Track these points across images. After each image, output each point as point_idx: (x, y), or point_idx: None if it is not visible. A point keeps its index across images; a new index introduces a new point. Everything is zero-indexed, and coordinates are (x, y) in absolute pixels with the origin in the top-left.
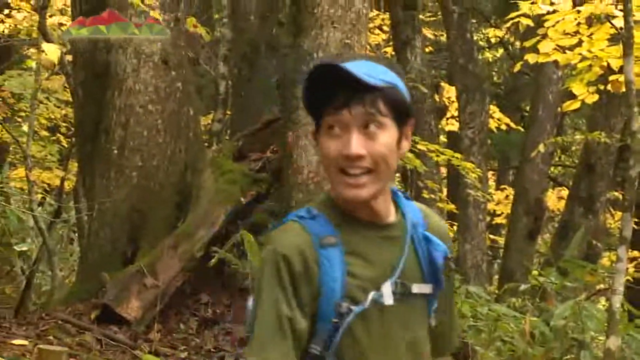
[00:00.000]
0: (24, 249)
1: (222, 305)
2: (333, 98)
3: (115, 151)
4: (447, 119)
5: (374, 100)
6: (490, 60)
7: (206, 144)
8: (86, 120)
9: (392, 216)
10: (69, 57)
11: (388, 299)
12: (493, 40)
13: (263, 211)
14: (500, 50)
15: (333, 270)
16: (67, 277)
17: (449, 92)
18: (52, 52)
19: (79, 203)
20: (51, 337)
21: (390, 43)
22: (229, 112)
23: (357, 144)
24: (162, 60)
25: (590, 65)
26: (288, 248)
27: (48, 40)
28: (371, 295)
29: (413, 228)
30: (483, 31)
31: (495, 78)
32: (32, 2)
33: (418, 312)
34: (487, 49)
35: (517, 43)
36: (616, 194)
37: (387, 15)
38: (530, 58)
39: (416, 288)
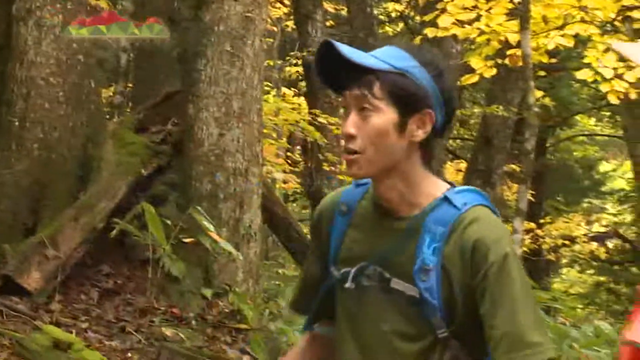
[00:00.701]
0: None
1: (123, 276)
2: (337, 79)
3: (17, 123)
4: None
5: (370, 82)
6: (391, 34)
7: (108, 117)
8: None
9: (411, 210)
10: None
11: (349, 281)
12: (393, 14)
13: (164, 183)
14: (401, 25)
15: (336, 234)
16: None
17: None
18: None
19: None
20: None
21: (292, 17)
22: (130, 85)
23: (350, 124)
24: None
25: (488, 40)
26: (319, 205)
27: None
28: (342, 270)
29: (429, 229)
30: (383, 5)
31: None
32: None
33: (400, 309)
34: (387, 23)
35: (417, 17)
36: (513, 166)
37: None
38: (430, 32)
39: (395, 283)
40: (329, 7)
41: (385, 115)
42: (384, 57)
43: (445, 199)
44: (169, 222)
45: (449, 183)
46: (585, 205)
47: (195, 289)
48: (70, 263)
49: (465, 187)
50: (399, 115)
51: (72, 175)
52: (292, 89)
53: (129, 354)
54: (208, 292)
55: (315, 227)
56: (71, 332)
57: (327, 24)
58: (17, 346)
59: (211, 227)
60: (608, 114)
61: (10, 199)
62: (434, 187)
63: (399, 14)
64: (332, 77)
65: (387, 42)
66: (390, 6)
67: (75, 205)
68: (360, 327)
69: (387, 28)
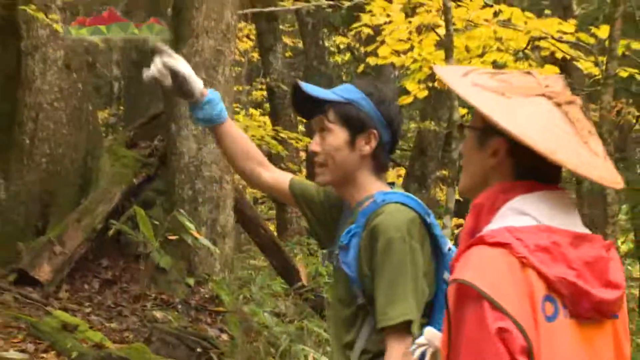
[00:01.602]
0: None
1: (119, 268)
2: (307, 110)
3: (27, 141)
4: None
5: (326, 110)
6: (340, 62)
7: (104, 135)
8: (2, 115)
9: (359, 205)
10: None
11: (324, 261)
12: (341, 46)
13: (152, 190)
14: (348, 55)
15: (340, 225)
16: None
17: None
18: None
19: None
20: None
21: (256, 49)
22: (122, 108)
23: (314, 143)
24: (65, 65)
25: (420, 67)
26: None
27: None
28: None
29: (357, 220)
30: (333, 39)
31: (344, 77)
32: None
33: (343, 280)
34: (337, 54)
35: (362, 48)
36: (444, 172)
37: (253, 26)
38: (372, 60)
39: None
40: (288, 40)
41: (337, 135)
42: (338, 92)
43: (373, 197)
44: (157, 222)
45: (391, 187)
46: None
47: (180, 278)
48: (75, 258)
49: (397, 190)
50: (349, 134)
51: (74, 185)
52: (258, 109)
53: (126, 334)
54: (191, 281)
55: (330, 205)
56: (77, 316)
57: (286, 54)
58: (32, 328)
59: (192, 227)
60: None
61: (23, 205)
62: (374, 189)
63: (346, 45)
64: (303, 109)
65: (337, 70)
66: (339, 39)
67: (77, 209)
68: (331, 294)
69: (337, 58)
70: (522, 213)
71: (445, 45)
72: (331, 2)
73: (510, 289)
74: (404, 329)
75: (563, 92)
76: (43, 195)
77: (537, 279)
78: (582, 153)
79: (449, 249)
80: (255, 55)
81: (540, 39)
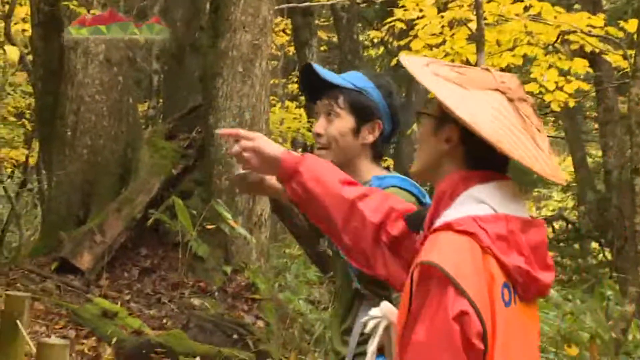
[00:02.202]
0: None
1: (158, 257)
2: (314, 92)
3: (69, 133)
4: None
5: (336, 95)
6: (373, 56)
7: (143, 127)
8: (45, 108)
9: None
10: (29, 57)
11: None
12: (375, 40)
13: (190, 180)
14: (382, 49)
15: None
16: (31, 236)
17: None
18: (12, 52)
19: (40, 175)
20: (19, 285)
21: (292, 43)
22: (161, 101)
23: (319, 126)
24: (106, 59)
25: (452, 60)
26: None
27: (12, 43)
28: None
29: None
30: (367, 33)
31: (378, 71)
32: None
33: (340, 271)
34: (370, 48)
35: (395, 42)
36: None
37: (289, 21)
38: (405, 54)
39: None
40: (323, 34)
41: (345, 121)
42: (349, 78)
43: (369, 181)
44: (195, 212)
45: (387, 172)
46: (535, 194)
47: (217, 266)
48: (115, 247)
49: (393, 174)
50: (356, 122)
51: (115, 175)
52: (294, 102)
53: (164, 320)
54: (228, 269)
55: None
56: (116, 303)
57: (321, 48)
58: (73, 315)
59: (229, 216)
60: (552, 119)
61: (65, 195)
62: (370, 175)
63: (379, 39)
64: (310, 90)
65: (370, 63)
66: (373, 33)
67: (118, 199)
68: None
69: (370, 51)
70: (480, 201)
71: (477, 39)
72: None
73: (473, 275)
74: None
75: (517, 89)
76: (84, 186)
77: (497, 267)
78: (528, 146)
79: None
80: (291, 49)
81: (569, 32)
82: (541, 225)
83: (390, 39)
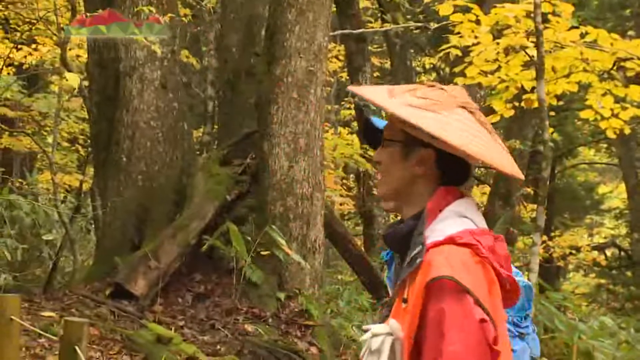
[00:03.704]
0: (50, 238)
1: (212, 282)
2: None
3: (124, 159)
4: None
5: None
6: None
7: (198, 153)
8: (100, 134)
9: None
10: (85, 83)
11: None
12: (427, 66)
13: (244, 206)
14: (434, 74)
15: None
16: (85, 261)
17: None
18: (73, 79)
19: (95, 201)
20: (74, 310)
21: (345, 69)
22: (215, 126)
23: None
24: (161, 85)
25: (507, 87)
26: None
27: (69, 70)
28: None
29: None
30: (419, 59)
31: None
32: (54, 38)
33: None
34: (422, 74)
35: (447, 68)
36: (528, 190)
37: (342, 47)
38: (459, 81)
39: None
40: (375, 60)
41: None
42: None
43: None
44: (249, 238)
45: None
46: (587, 220)
47: (271, 292)
48: (169, 272)
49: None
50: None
51: (169, 201)
52: (346, 128)
53: (218, 347)
54: (282, 295)
55: None
56: (170, 329)
57: (374, 74)
58: (128, 340)
59: (284, 242)
60: (605, 145)
61: (119, 220)
62: None
63: (432, 65)
64: (373, 140)
65: None
66: (425, 60)
67: (172, 225)
68: None
69: (422, 77)
70: (462, 216)
71: (537, 66)
72: (419, 24)
73: (481, 285)
74: None
75: (469, 100)
76: (139, 211)
77: (494, 277)
78: (494, 149)
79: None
80: (344, 75)
81: (626, 59)
82: (502, 239)
83: (443, 65)
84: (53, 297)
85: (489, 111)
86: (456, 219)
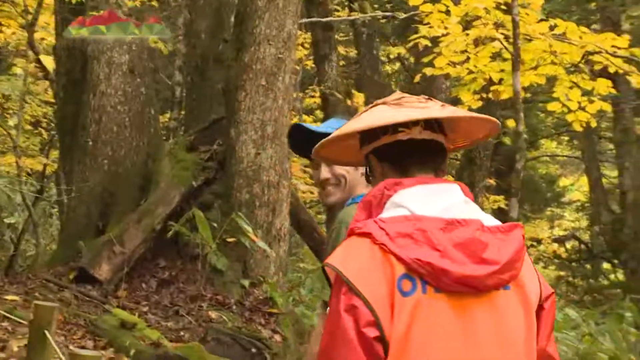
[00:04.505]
0: (12, 221)
1: (176, 268)
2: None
3: (90, 143)
4: None
5: None
6: (390, 72)
7: (164, 138)
8: (66, 117)
9: None
10: (50, 66)
11: None
12: (392, 56)
13: (210, 193)
14: (397, 64)
15: None
16: (48, 245)
17: (358, 98)
18: (48, 62)
19: (60, 185)
20: (37, 294)
21: (311, 57)
22: (182, 112)
23: (323, 172)
24: (129, 69)
25: (475, 78)
26: None
27: (36, 52)
28: None
29: None
30: (383, 49)
31: (393, 87)
32: (18, 20)
33: None
34: (387, 64)
35: (412, 59)
36: (490, 181)
37: (308, 35)
38: (428, 71)
39: None
40: (341, 49)
41: None
42: (334, 125)
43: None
44: (215, 225)
45: None
46: (548, 213)
47: (236, 279)
48: (134, 257)
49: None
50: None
51: (135, 186)
52: (311, 115)
53: (182, 333)
54: (246, 282)
55: None
56: (134, 315)
57: (340, 63)
58: (91, 325)
59: (250, 230)
60: (567, 138)
61: (84, 205)
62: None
63: (396, 55)
64: (302, 148)
65: (386, 79)
66: (390, 49)
67: (137, 210)
68: None
69: (386, 67)
70: (399, 206)
71: (513, 58)
72: (386, 14)
73: (368, 272)
74: None
75: (395, 96)
76: (104, 196)
77: (397, 262)
78: (390, 113)
79: None
80: (309, 63)
81: (594, 53)
82: (473, 224)
83: (407, 55)
84: (16, 281)
85: (454, 102)
86: (391, 210)
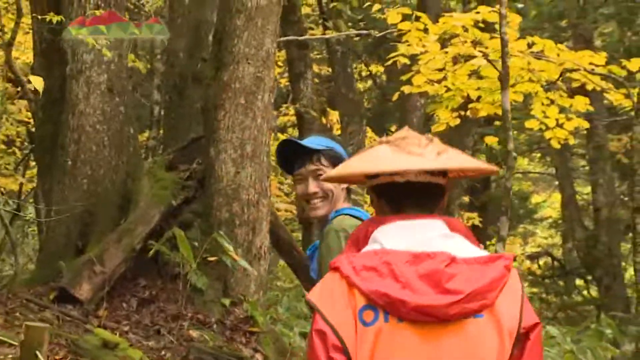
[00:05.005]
0: None
1: (157, 288)
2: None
3: (70, 162)
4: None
5: (319, 157)
6: (362, 90)
7: (143, 157)
8: (45, 136)
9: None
10: (30, 86)
11: None
12: (363, 74)
13: (190, 212)
14: (369, 82)
15: None
16: (24, 265)
17: (333, 115)
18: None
19: (38, 204)
20: (18, 314)
21: (285, 75)
22: (161, 131)
23: (311, 186)
24: (108, 89)
25: (453, 95)
26: None
27: (14, 71)
28: None
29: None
30: (355, 66)
31: (366, 104)
32: None
33: None
34: (359, 81)
35: (383, 76)
36: (465, 198)
37: (282, 53)
38: (406, 89)
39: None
40: (315, 67)
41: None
42: (319, 142)
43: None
44: (195, 243)
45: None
46: (520, 229)
47: (216, 298)
48: (114, 277)
49: (350, 207)
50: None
51: (114, 205)
52: (284, 134)
53: (163, 352)
54: (227, 301)
55: None
56: (115, 334)
57: (315, 81)
58: (73, 345)
59: (231, 248)
60: (539, 155)
61: (64, 225)
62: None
63: (368, 73)
64: (288, 164)
65: (359, 96)
66: (362, 68)
67: (117, 229)
68: None
69: (358, 85)
70: (375, 241)
71: (502, 77)
72: (361, 32)
73: (334, 302)
74: None
75: (398, 135)
76: (84, 215)
77: (359, 294)
78: (406, 158)
79: None
80: (283, 81)
81: (572, 70)
82: (439, 257)
83: (379, 73)
84: None
85: (429, 119)
86: (370, 245)
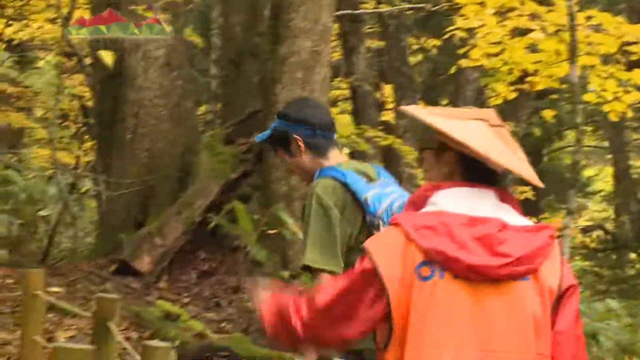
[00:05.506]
0: (46, 214)
1: (216, 260)
2: None
3: (129, 136)
4: (382, 111)
5: (269, 146)
6: (413, 63)
7: (201, 131)
8: (104, 111)
9: None
10: (87, 60)
11: None
12: (414, 47)
13: (248, 185)
14: (420, 56)
15: None
16: (83, 238)
17: (386, 89)
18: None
19: (97, 178)
20: (79, 286)
21: (338, 49)
22: (219, 105)
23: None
24: (166, 63)
25: (511, 69)
26: None
27: (71, 46)
28: None
29: None
30: (407, 40)
31: (417, 78)
32: (46, 14)
33: None
34: (410, 55)
35: (434, 50)
36: None
37: (335, 26)
38: (463, 62)
39: None
40: (368, 41)
41: (284, 155)
42: (272, 126)
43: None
44: (255, 217)
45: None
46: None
47: (275, 271)
48: (174, 250)
49: (332, 166)
50: (284, 150)
51: (173, 179)
52: (336, 107)
53: (223, 324)
54: (285, 274)
55: None
56: (176, 306)
57: (368, 55)
58: (136, 317)
59: (290, 221)
60: (591, 129)
61: (124, 198)
62: (318, 169)
63: (419, 46)
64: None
65: (411, 70)
66: (413, 41)
67: (177, 203)
68: None
69: (411, 59)
70: (433, 204)
71: (570, 49)
72: (414, 6)
73: (389, 253)
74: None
75: (495, 119)
76: (143, 189)
77: (416, 250)
78: (510, 156)
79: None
80: (336, 55)
81: (631, 43)
82: (492, 222)
83: (430, 47)
84: (57, 273)
85: (481, 92)
86: (428, 207)
